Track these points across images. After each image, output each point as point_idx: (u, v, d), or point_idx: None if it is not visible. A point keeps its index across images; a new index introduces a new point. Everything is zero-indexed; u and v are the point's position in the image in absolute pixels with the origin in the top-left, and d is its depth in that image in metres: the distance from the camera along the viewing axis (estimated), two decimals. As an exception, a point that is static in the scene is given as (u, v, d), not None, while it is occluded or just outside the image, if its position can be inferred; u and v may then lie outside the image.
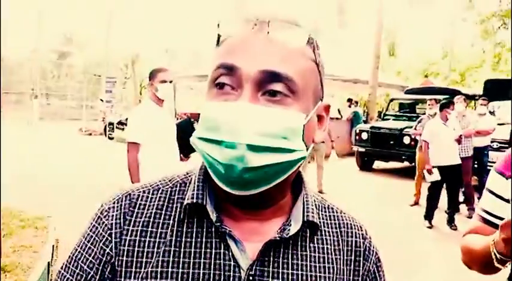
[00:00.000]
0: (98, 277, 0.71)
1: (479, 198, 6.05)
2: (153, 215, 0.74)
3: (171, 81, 3.97)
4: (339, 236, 0.80)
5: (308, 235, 0.76)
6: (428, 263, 5.13)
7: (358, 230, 0.84)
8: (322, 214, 0.81)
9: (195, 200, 0.72)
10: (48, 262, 4.15)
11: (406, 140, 10.40)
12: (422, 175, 7.61)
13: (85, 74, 29.61)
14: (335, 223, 0.82)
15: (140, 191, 0.77)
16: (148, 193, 0.77)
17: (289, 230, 0.73)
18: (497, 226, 1.11)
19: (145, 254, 0.71)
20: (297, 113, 0.67)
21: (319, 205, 0.82)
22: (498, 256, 1.09)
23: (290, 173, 0.70)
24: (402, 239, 6.03)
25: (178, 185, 0.78)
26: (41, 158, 11.47)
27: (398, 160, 11.22)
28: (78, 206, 6.86)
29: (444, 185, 6.85)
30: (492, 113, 9.67)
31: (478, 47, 22.50)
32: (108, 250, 0.72)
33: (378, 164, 12.31)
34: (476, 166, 8.10)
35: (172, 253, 0.71)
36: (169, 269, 0.70)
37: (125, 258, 0.71)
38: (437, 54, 29.64)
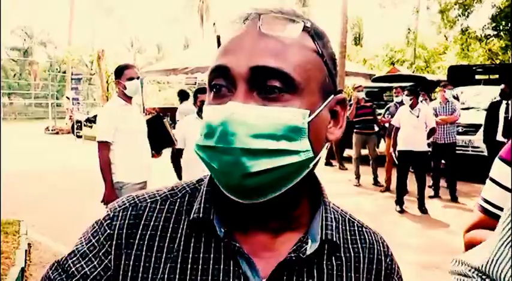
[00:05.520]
0: None
1: (447, 181, 6.20)
2: (160, 228, 0.69)
3: (138, 78, 3.93)
4: (360, 253, 0.74)
5: (326, 251, 0.71)
6: (401, 246, 5.26)
7: (380, 247, 0.78)
8: (342, 228, 0.75)
9: (200, 215, 0.68)
10: (22, 268, 4.07)
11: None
12: (391, 161, 7.83)
13: (49, 72, 28.79)
14: (355, 239, 0.76)
15: (148, 202, 0.72)
16: (156, 203, 0.72)
17: (305, 249, 0.68)
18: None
19: (151, 269, 0.67)
20: (297, 110, 0.62)
21: (338, 218, 0.76)
22: None
23: (299, 178, 0.64)
24: (374, 224, 6.15)
25: (187, 195, 0.73)
26: (6, 159, 11.16)
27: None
28: (48, 208, 6.74)
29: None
30: (456, 97, 9.93)
31: (442, 34, 22.98)
32: (106, 261, 0.68)
33: (348, 152, 12.48)
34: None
35: (179, 269, 0.66)
36: None
37: (130, 273, 0.67)
38: (402, 42, 30.14)
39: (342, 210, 0.80)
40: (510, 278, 0.70)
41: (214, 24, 0.69)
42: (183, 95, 9.36)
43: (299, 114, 0.62)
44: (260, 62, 0.61)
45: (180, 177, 4.36)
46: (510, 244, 0.74)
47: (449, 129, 7.70)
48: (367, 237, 0.77)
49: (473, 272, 0.80)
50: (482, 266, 0.76)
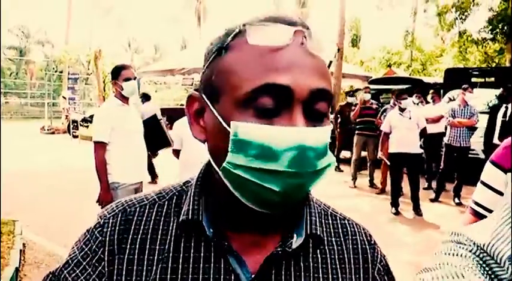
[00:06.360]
0: None
1: (438, 183, 6.14)
2: (150, 231, 0.71)
3: (135, 78, 3.92)
4: (343, 245, 0.77)
5: (311, 245, 0.73)
6: (396, 247, 5.27)
7: (362, 236, 0.80)
8: (325, 223, 0.78)
9: (190, 217, 0.69)
10: (16, 267, 4.05)
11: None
12: (387, 164, 7.84)
13: (46, 71, 28.70)
14: (338, 232, 0.78)
15: (137, 207, 0.74)
16: (145, 207, 0.74)
17: (291, 243, 0.70)
18: None
19: (144, 272, 0.68)
20: (331, 128, 0.65)
21: (321, 213, 0.79)
22: None
23: None
24: (370, 226, 6.15)
25: (175, 197, 0.75)
26: (2, 158, 11.11)
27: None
28: (43, 208, 6.71)
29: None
30: (452, 100, 9.96)
31: (439, 37, 23.09)
32: (100, 268, 0.69)
33: (344, 153, 12.49)
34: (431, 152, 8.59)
35: (170, 269, 0.68)
36: None
37: (123, 277, 0.68)
38: (400, 44, 30.26)
39: (324, 204, 0.82)
40: (507, 258, 0.71)
41: (243, 26, 0.63)
42: (145, 97, 9.75)
43: (330, 132, 0.65)
44: (319, 84, 0.62)
45: None
46: (510, 224, 0.75)
47: (465, 132, 7.67)
48: (349, 229, 0.80)
49: (470, 242, 0.81)
50: (484, 245, 0.77)
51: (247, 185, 0.61)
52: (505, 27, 16.49)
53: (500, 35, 17.22)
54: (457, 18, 18.15)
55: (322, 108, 0.63)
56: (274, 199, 0.61)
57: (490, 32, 17.56)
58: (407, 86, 11.26)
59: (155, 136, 4.11)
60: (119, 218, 0.72)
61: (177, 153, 4.28)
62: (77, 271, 0.69)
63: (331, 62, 0.67)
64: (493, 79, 11.61)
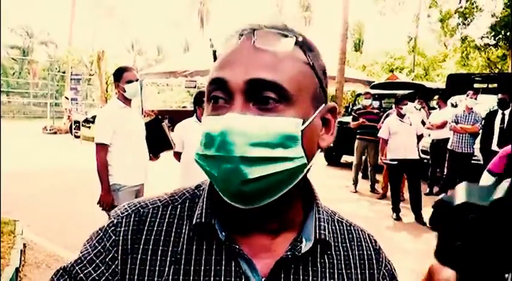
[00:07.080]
0: None
1: (440, 189, 6.10)
2: (163, 233, 0.73)
3: (137, 80, 3.93)
4: (349, 251, 0.79)
5: (319, 250, 0.75)
6: (398, 253, 5.26)
7: (368, 243, 0.83)
8: (332, 228, 0.80)
9: (203, 220, 0.72)
10: (17, 268, 4.05)
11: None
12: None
13: (49, 71, 28.74)
14: (345, 238, 0.81)
15: (150, 208, 0.76)
16: (158, 209, 0.76)
17: (300, 247, 0.72)
18: None
19: (156, 273, 0.70)
20: (291, 120, 0.66)
21: (328, 219, 0.81)
22: None
23: (294, 182, 0.69)
24: (371, 231, 6.14)
25: (187, 201, 0.78)
26: (3, 158, 11.12)
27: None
28: (44, 208, 6.72)
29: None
30: (455, 106, 9.95)
31: (442, 42, 23.08)
32: (113, 267, 0.70)
33: (345, 158, 12.49)
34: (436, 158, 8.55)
35: (182, 271, 0.70)
36: None
37: (136, 277, 0.70)
38: (402, 49, 30.26)
39: (331, 211, 0.85)
40: None
41: (210, 39, 0.72)
42: None
43: (292, 123, 0.66)
44: (256, 74, 0.65)
45: None
46: None
47: (468, 139, 7.64)
48: (355, 235, 0.83)
49: None
50: None
51: (207, 173, 0.68)
52: (508, 33, 16.47)
53: (503, 41, 17.21)
54: (459, 24, 18.14)
55: (268, 96, 0.65)
56: (220, 186, 0.67)
57: (492, 38, 17.54)
58: (409, 91, 11.25)
59: (157, 138, 4.12)
60: (132, 218, 0.74)
61: (178, 155, 4.28)
62: (90, 268, 0.70)
63: (297, 40, 0.69)
64: (495, 85, 11.58)
